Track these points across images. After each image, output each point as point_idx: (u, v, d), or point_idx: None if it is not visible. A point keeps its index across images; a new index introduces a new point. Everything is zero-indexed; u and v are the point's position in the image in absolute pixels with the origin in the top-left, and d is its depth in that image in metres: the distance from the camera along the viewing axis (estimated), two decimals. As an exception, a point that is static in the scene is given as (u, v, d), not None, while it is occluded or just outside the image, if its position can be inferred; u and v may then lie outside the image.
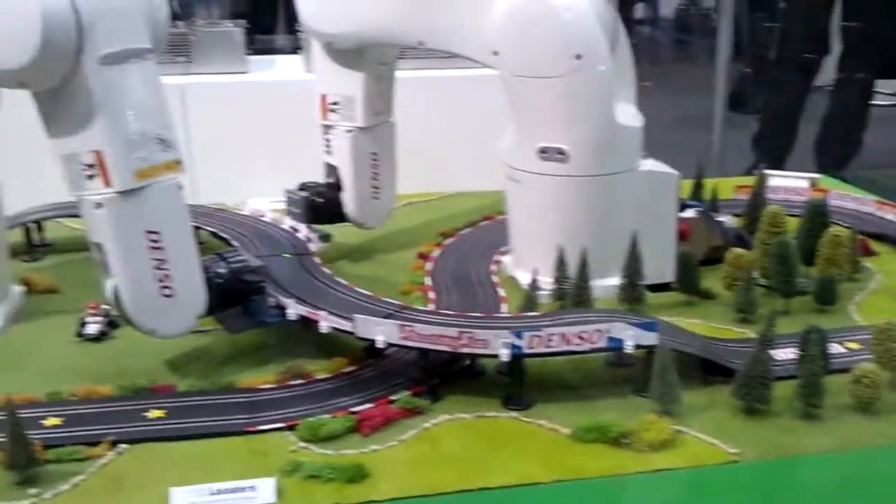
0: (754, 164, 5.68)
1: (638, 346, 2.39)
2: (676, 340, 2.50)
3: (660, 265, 3.09)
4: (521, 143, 3.09)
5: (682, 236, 3.28)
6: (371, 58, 3.39)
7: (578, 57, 2.90)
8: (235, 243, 3.31)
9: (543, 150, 3.04)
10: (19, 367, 2.70)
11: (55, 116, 2.36)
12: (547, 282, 2.98)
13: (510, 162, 3.16)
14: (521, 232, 3.27)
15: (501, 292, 3.15)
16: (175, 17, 2.78)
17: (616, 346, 2.39)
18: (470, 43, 3.06)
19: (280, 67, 5.10)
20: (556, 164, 3.03)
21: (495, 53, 3.00)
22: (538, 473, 2.13)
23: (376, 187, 3.59)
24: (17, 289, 3.20)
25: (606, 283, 3.00)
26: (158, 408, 2.40)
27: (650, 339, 2.38)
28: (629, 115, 3.12)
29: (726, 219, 3.62)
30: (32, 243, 3.68)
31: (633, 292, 2.94)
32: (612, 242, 3.01)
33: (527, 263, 3.09)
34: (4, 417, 2.08)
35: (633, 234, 2.91)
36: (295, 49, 5.21)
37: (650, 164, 3.16)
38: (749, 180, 4.08)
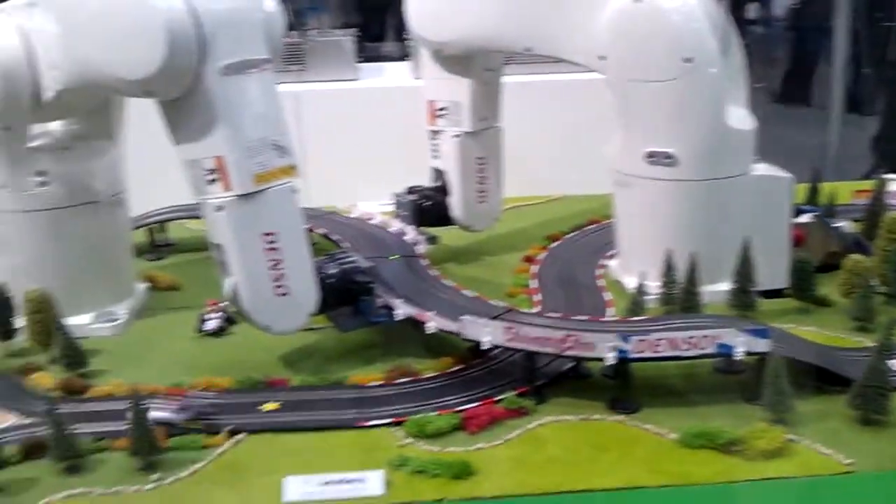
0: (873, 168, 5.47)
1: (749, 353, 2.35)
2: (790, 348, 2.44)
3: (772, 271, 3.01)
4: (629, 148, 3.07)
5: (798, 242, 3.19)
6: (478, 64, 3.43)
7: (688, 60, 2.87)
8: (346, 245, 3.39)
9: (651, 155, 3.01)
10: (143, 360, 2.85)
11: (179, 124, 2.48)
12: (654, 286, 2.95)
13: (617, 166, 3.14)
14: (629, 236, 3.25)
15: (607, 296, 3.14)
16: (289, 26, 2.88)
17: (726, 352, 2.35)
18: (577, 48, 3.06)
19: (389, 74, 5.20)
20: (664, 168, 3.00)
21: (602, 58, 2.99)
22: (644, 478, 2.12)
23: (483, 191, 3.63)
24: (142, 286, 3.37)
25: (716, 289, 2.95)
26: (274, 401, 2.49)
27: (762, 345, 2.33)
28: (740, 117, 3.06)
29: (844, 224, 3.50)
30: (156, 243, 3.87)
31: (744, 298, 2.88)
32: (722, 247, 2.96)
33: (634, 267, 3.07)
34: (130, 407, 2.20)
35: (745, 240, 2.86)
36: (403, 56, 5.30)
37: (763, 169, 3.08)
38: (868, 184, 3.93)
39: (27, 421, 2.43)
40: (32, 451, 2.25)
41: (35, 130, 2.99)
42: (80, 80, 2.64)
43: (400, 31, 6.51)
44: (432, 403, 2.44)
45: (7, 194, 2.88)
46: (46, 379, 2.65)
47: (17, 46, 2.71)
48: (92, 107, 3.07)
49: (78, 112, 3.09)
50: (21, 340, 2.88)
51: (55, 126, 3.15)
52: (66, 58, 2.63)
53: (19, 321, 2.86)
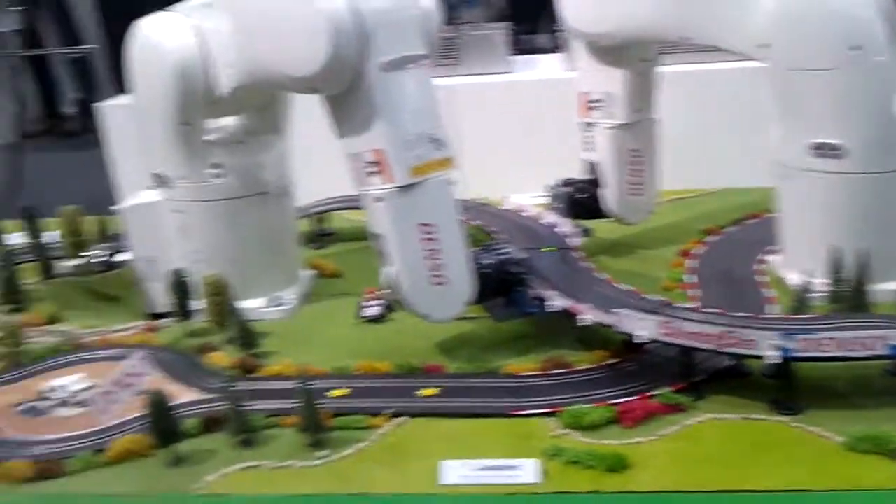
0: None
1: (922, 356, 2.24)
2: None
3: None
4: (792, 139, 2.96)
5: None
6: (633, 54, 3.40)
7: (856, 48, 2.74)
8: (501, 237, 3.44)
9: (817, 146, 2.90)
10: (308, 343, 2.99)
11: (341, 119, 2.60)
12: (820, 283, 2.85)
13: (780, 158, 3.04)
14: (793, 231, 3.13)
15: (769, 293, 3.05)
16: (443, 21, 2.95)
17: (897, 354, 2.25)
18: (736, 36, 2.98)
19: (542, 67, 5.21)
20: (830, 160, 2.89)
21: (764, 46, 2.89)
22: (807, 480, 2.06)
23: (637, 183, 3.59)
24: (308, 273, 3.54)
25: (888, 288, 2.82)
26: (432, 386, 2.57)
27: (937, 348, 2.22)
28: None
29: None
30: (319, 232, 4.04)
31: (918, 298, 2.74)
32: (893, 243, 2.82)
33: (798, 264, 2.97)
34: (299, 386, 2.33)
35: (920, 236, 2.72)
36: (556, 48, 5.29)
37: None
38: None
39: (206, 396, 2.61)
40: (210, 424, 2.42)
41: (211, 125, 3.18)
42: (251, 78, 2.81)
43: (553, 22, 6.50)
44: (587, 395, 2.45)
45: (187, 185, 3.10)
46: (222, 358, 2.84)
47: (194, 46, 2.91)
48: (262, 103, 3.25)
49: (249, 108, 3.28)
50: (199, 322, 3.08)
51: (229, 121, 3.36)
52: (239, 56, 2.80)
53: (197, 304, 3.07)
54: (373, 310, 3.10)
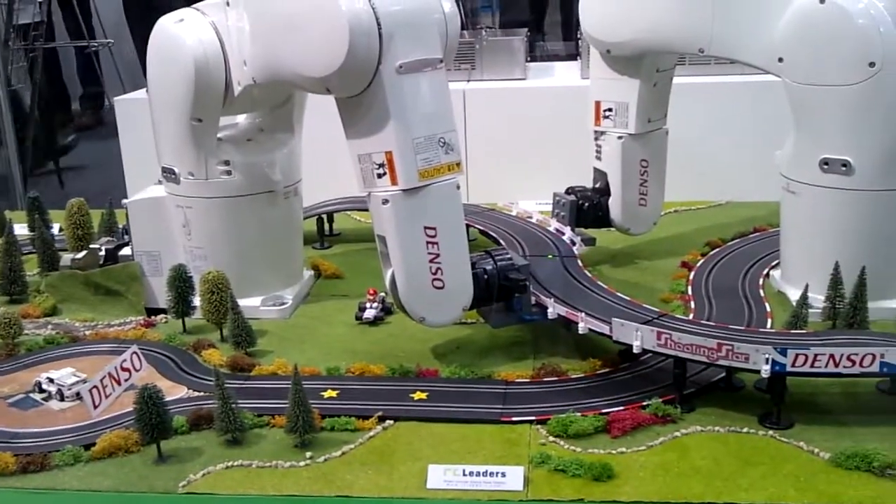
0: None
1: (915, 374, 2.22)
2: (963, 372, 2.28)
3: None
4: (803, 154, 2.94)
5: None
6: (649, 65, 3.38)
7: (872, 65, 2.72)
8: (503, 242, 3.44)
9: (826, 162, 2.88)
10: (305, 343, 3.00)
11: (353, 119, 2.59)
12: (819, 299, 2.82)
13: (788, 173, 3.02)
14: (795, 246, 3.11)
15: (768, 307, 3.03)
16: (462, 26, 2.95)
17: (890, 372, 2.23)
18: (753, 49, 2.96)
19: (558, 74, 5.21)
20: (838, 176, 2.86)
21: (780, 60, 2.88)
22: (791, 495, 2.04)
23: (643, 194, 3.58)
24: (308, 272, 3.55)
25: (885, 305, 2.80)
26: (423, 390, 2.57)
27: (930, 367, 2.20)
28: (924, 126, 2.89)
29: None
30: (323, 232, 4.06)
31: (915, 317, 2.71)
32: (893, 262, 2.80)
33: (798, 279, 2.95)
34: (291, 386, 2.33)
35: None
36: (573, 56, 5.29)
37: (946, 180, 2.89)
38: None
39: (196, 394, 2.62)
40: (199, 422, 2.43)
41: (222, 122, 3.20)
42: (267, 77, 2.82)
43: (570, 30, 6.51)
44: (577, 404, 2.44)
45: (194, 181, 3.11)
46: (217, 355, 2.85)
47: (211, 42, 2.93)
48: (277, 101, 3.27)
49: (264, 106, 3.30)
50: (197, 318, 3.10)
51: (241, 118, 3.38)
52: (256, 55, 2.81)
53: (196, 300, 3.08)
54: (371, 312, 3.11)
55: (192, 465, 2.27)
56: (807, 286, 2.76)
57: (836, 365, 2.23)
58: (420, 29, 2.53)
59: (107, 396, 2.52)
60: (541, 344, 2.87)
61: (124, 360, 2.62)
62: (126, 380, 2.61)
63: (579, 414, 2.38)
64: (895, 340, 2.35)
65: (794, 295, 2.91)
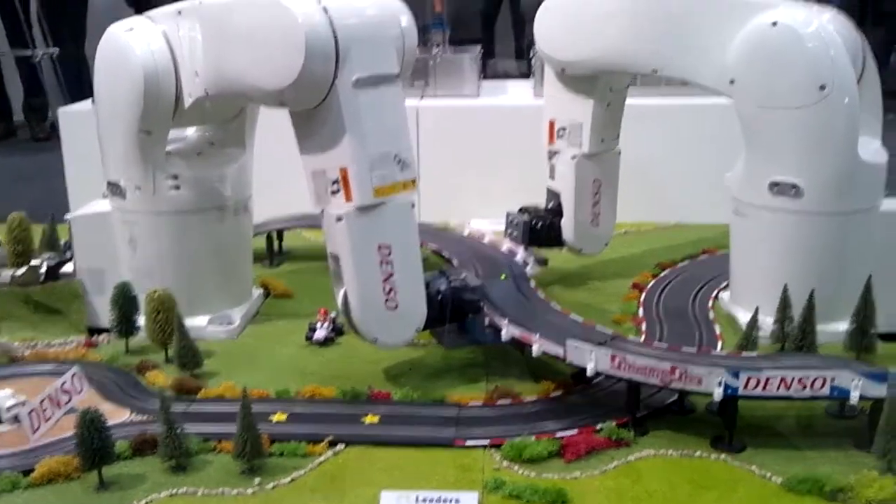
0: None
1: (864, 398, 2.24)
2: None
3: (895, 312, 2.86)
4: (753, 176, 2.97)
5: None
6: (603, 84, 3.40)
7: (823, 88, 2.76)
8: (456, 262, 3.41)
9: (776, 184, 2.91)
10: (253, 365, 2.94)
11: (308, 134, 2.55)
12: (768, 322, 2.85)
13: (739, 195, 3.05)
14: (744, 268, 3.14)
15: (717, 329, 3.06)
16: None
17: (840, 395, 2.25)
18: (706, 71, 2.98)
19: (510, 92, 5.22)
20: (788, 199, 2.90)
21: (732, 82, 2.91)
22: (745, 521, 2.05)
23: (596, 214, 3.59)
24: (257, 291, 3.48)
25: (833, 328, 2.83)
26: (374, 414, 2.53)
27: (878, 390, 2.22)
28: (873, 150, 2.93)
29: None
30: (273, 250, 3.99)
31: (863, 340, 2.74)
32: (842, 285, 2.84)
33: (747, 301, 2.97)
34: (239, 410, 2.26)
35: (869, 278, 2.72)
36: (526, 74, 5.30)
37: (893, 204, 2.94)
38: None
39: (140, 417, 2.54)
40: (143, 447, 2.35)
41: (171, 135, 3.13)
42: (220, 89, 2.76)
43: (524, 49, 6.53)
44: (531, 427, 2.42)
45: (140, 196, 3.04)
46: (161, 377, 2.77)
47: (162, 52, 2.87)
48: (229, 115, 3.21)
49: (215, 119, 3.23)
50: (141, 338, 3.01)
51: (190, 131, 3.31)
52: (208, 66, 2.75)
53: (140, 319, 3.00)
54: (321, 332, 3.06)
55: (135, 492, 2.19)
56: (757, 309, 2.78)
57: (788, 388, 2.25)
58: (377, 43, 2.50)
59: (46, 420, 2.43)
60: (493, 366, 2.85)
61: (65, 382, 2.53)
62: (66, 402, 2.51)
63: (533, 437, 2.35)
64: (844, 364, 2.37)
65: (743, 317, 2.93)
